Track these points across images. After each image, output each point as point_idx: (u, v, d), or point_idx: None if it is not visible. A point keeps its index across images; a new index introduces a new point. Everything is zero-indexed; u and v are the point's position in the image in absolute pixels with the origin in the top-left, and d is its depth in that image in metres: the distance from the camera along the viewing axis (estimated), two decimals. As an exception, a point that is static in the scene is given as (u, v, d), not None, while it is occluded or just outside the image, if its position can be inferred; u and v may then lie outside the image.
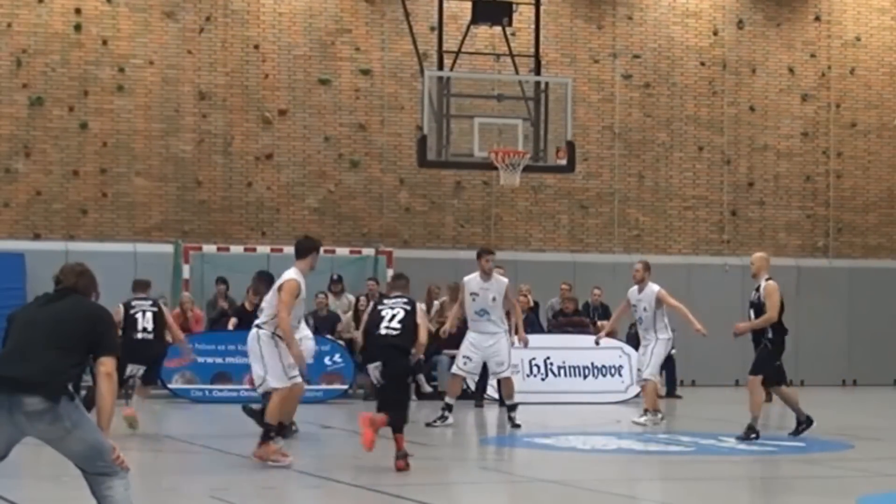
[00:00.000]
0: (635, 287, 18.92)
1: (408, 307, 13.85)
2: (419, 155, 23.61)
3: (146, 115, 26.37)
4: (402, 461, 13.31)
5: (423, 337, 13.93)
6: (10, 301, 20.16)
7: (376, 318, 13.88)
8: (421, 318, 14.02)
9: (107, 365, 7.52)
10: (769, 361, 16.41)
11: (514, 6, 24.17)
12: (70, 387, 7.44)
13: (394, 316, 13.82)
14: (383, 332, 13.71)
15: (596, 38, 28.85)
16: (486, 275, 18.12)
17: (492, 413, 21.44)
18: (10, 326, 7.73)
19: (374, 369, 13.74)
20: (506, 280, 18.51)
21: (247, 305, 23.97)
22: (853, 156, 30.33)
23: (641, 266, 19.01)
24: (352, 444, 17.28)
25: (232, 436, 17.58)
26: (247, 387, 22.20)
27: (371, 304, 14.77)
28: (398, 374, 13.69)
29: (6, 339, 7.64)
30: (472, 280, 18.23)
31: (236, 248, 25.85)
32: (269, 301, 14.21)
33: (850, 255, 30.25)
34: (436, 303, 24.87)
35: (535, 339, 23.51)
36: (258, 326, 14.35)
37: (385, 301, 14.09)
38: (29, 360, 7.37)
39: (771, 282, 16.36)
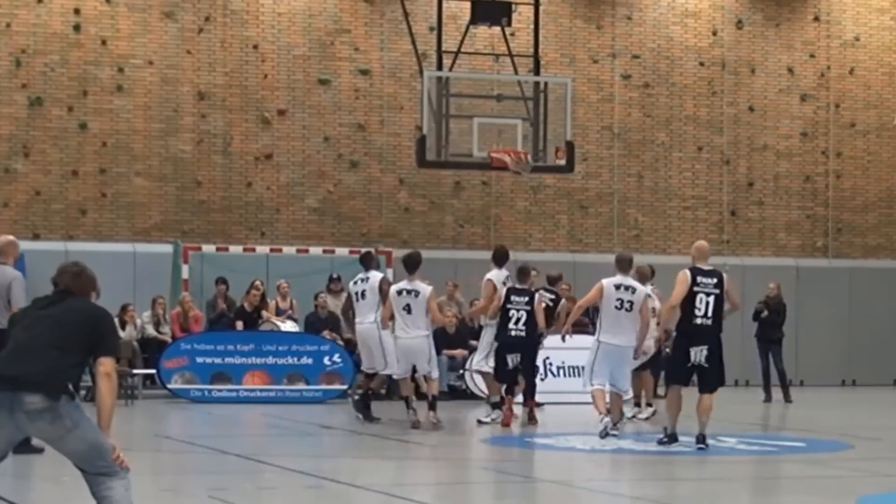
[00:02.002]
0: None
1: (528, 308, 18.33)
2: (418, 155, 23.59)
3: (145, 116, 26.36)
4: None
5: (541, 322, 18.61)
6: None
7: (505, 317, 18.37)
8: (537, 307, 18.46)
9: (106, 365, 7.50)
10: (669, 364, 15.80)
11: (513, 6, 24.14)
12: (70, 386, 7.43)
13: (518, 319, 18.27)
14: (513, 333, 18.33)
15: (595, 38, 28.85)
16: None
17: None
18: (10, 328, 7.73)
19: (512, 358, 18.41)
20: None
21: (246, 306, 23.99)
22: (852, 156, 30.32)
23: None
24: (352, 444, 17.30)
25: (231, 436, 17.58)
26: (246, 387, 22.23)
27: (503, 293, 18.51)
28: (530, 361, 18.74)
29: (7, 341, 7.63)
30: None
31: (236, 248, 25.85)
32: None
33: (850, 255, 30.25)
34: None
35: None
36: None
37: (512, 299, 18.37)
38: (29, 360, 7.36)
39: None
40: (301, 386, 22.36)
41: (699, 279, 15.01)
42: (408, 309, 17.83)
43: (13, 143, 25.71)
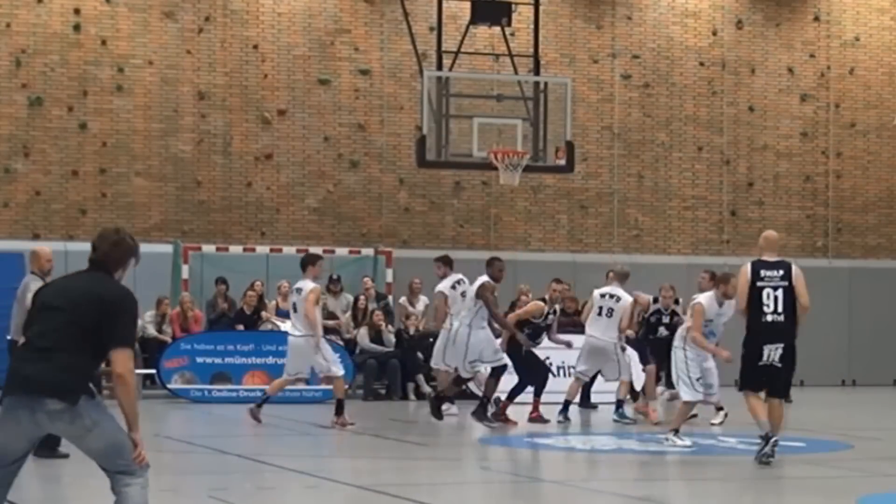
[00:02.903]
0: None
1: None
2: (418, 155, 23.60)
3: (145, 116, 26.36)
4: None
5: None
6: (9, 301, 20.14)
7: None
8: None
9: (119, 363, 7.20)
10: (742, 368, 14.22)
11: (513, 6, 24.16)
12: (91, 384, 7.25)
13: None
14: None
15: (595, 38, 28.85)
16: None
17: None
18: (33, 308, 7.50)
19: None
20: None
21: (245, 309, 23.98)
22: (852, 156, 30.32)
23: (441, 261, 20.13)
24: (352, 444, 17.30)
25: (231, 436, 17.58)
26: (246, 387, 22.22)
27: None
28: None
29: (30, 323, 7.42)
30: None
31: (236, 248, 25.84)
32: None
33: (850, 255, 30.24)
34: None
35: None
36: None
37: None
38: (44, 361, 7.19)
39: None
40: (301, 386, 22.35)
41: (762, 272, 13.70)
42: (294, 307, 18.18)
43: (13, 143, 25.71)
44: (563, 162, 23.70)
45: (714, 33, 29.50)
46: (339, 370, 18.26)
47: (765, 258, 13.92)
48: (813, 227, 30.10)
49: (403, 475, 13.94)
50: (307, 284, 18.02)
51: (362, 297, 24.33)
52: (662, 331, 19.91)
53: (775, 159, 29.87)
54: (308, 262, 18.23)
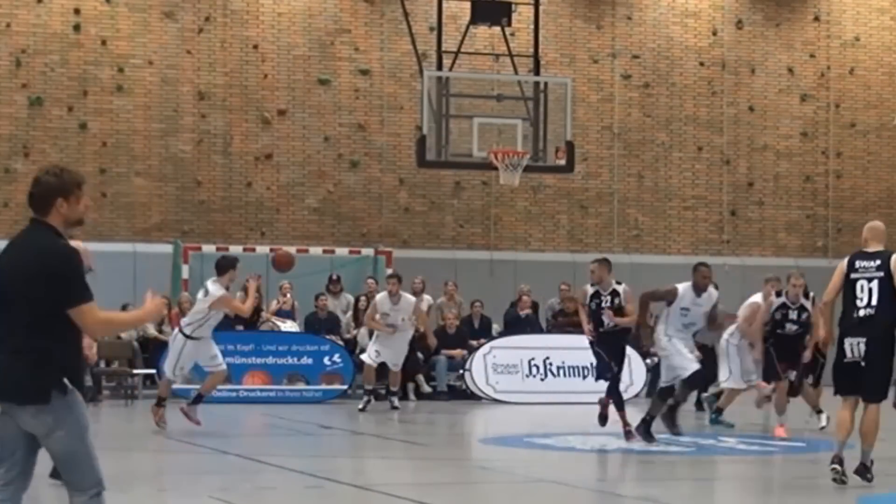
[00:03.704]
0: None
1: None
2: (418, 155, 23.61)
3: (145, 116, 26.36)
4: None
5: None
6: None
7: None
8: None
9: (81, 321, 6.56)
10: (833, 370, 13.15)
11: (513, 6, 24.15)
12: (67, 376, 6.68)
13: None
14: None
15: (595, 38, 28.85)
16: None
17: (494, 413, 21.44)
18: None
19: None
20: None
21: (245, 310, 23.94)
22: (852, 156, 30.32)
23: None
24: (352, 444, 17.31)
25: (232, 436, 17.57)
26: (246, 387, 22.21)
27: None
28: None
29: None
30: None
31: (236, 248, 25.76)
32: None
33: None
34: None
35: (534, 339, 23.51)
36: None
37: None
38: (5, 355, 6.65)
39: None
40: (301, 386, 22.36)
41: (858, 263, 12.26)
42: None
43: (13, 143, 25.72)
44: (563, 162, 23.70)
45: (714, 33, 29.50)
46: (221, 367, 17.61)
47: (865, 249, 12.43)
48: (813, 227, 30.10)
49: (403, 475, 13.95)
50: (216, 290, 17.10)
51: (363, 298, 24.31)
52: (790, 327, 17.62)
53: (775, 159, 29.87)
54: (225, 266, 17.24)
